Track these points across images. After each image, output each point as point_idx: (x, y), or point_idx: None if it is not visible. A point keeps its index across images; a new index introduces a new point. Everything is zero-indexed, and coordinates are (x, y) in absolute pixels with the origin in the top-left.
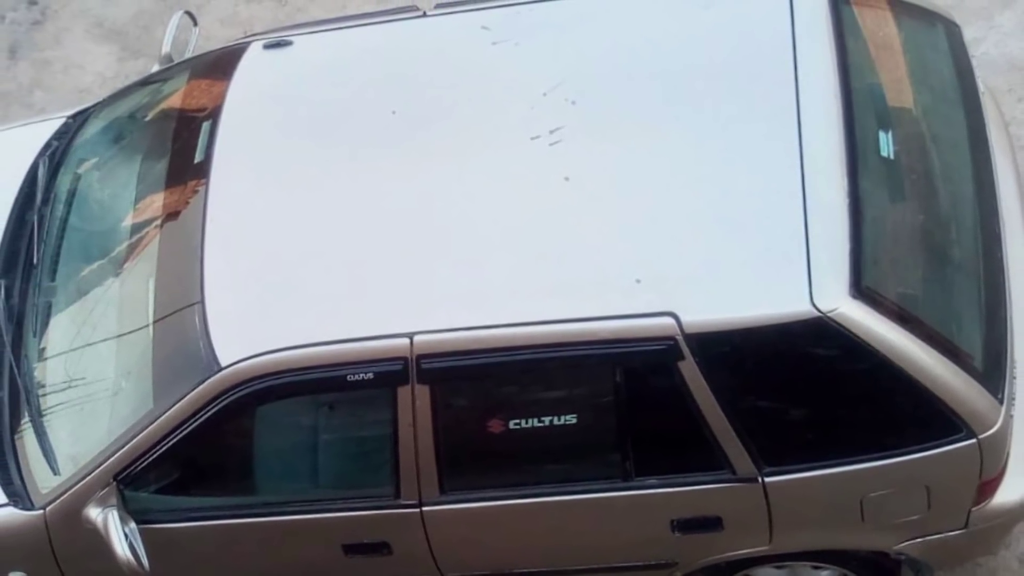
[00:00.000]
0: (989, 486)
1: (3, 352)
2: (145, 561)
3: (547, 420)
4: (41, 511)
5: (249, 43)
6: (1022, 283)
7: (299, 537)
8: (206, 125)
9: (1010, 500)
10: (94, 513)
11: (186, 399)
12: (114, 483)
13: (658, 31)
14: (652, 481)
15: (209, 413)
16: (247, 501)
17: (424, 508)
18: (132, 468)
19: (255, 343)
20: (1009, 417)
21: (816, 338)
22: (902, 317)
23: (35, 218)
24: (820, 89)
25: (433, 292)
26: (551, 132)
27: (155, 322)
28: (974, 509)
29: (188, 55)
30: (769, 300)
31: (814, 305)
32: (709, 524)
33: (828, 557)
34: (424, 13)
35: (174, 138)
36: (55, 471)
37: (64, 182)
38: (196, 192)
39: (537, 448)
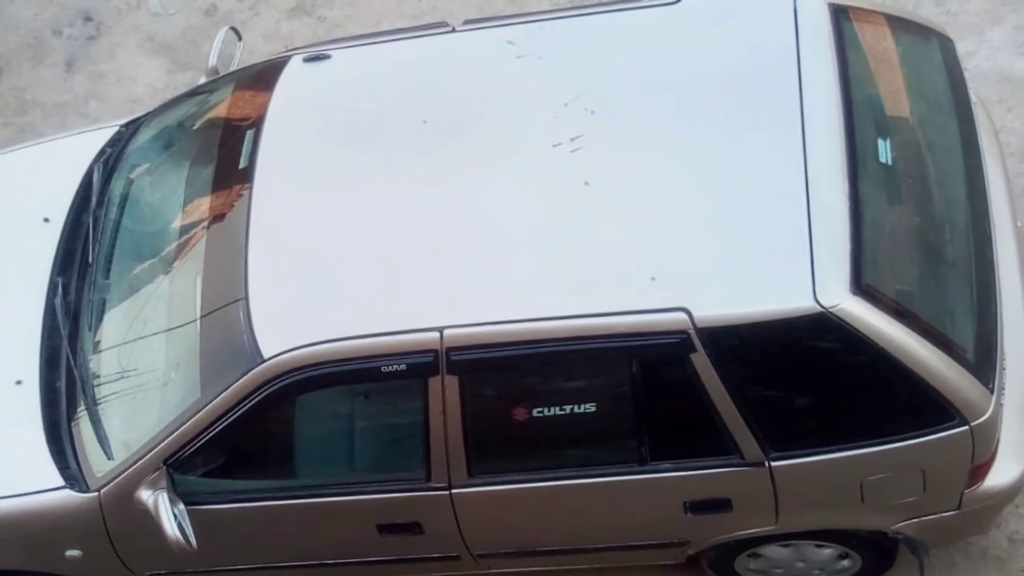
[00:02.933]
0: (981, 470)
1: (61, 345)
2: (193, 540)
3: (568, 408)
4: (96, 493)
5: (290, 57)
6: (1011, 281)
7: (336, 517)
8: (250, 133)
9: (1000, 483)
10: (145, 495)
11: (231, 389)
12: (164, 467)
13: (672, 46)
14: (666, 465)
15: (253, 402)
16: (288, 484)
17: (453, 490)
18: (181, 453)
19: (296, 337)
20: (999, 405)
21: (819, 332)
22: (899, 312)
23: (90, 220)
24: (823, 99)
25: (462, 289)
26: (572, 140)
27: (202, 317)
28: (967, 491)
29: (233, 68)
30: (775, 296)
31: (817, 301)
32: (719, 505)
33: (830, 536)
34: (453, 29)
35: (220, 145)
36: (109, 456)
37: (117, 186)
38: (240, 196)
39: (559, 434)
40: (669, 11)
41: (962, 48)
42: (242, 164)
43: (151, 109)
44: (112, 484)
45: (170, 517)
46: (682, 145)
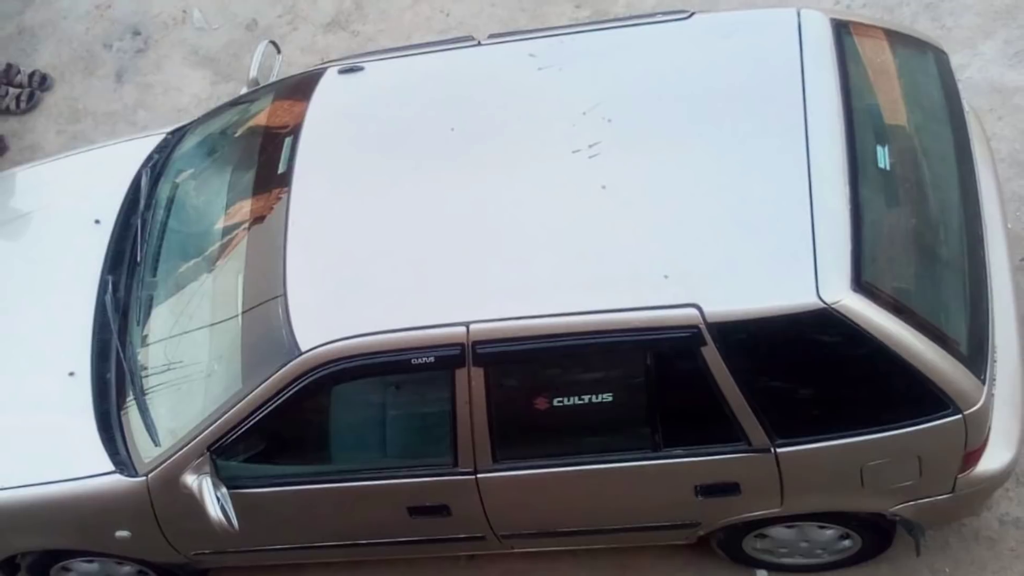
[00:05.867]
0: (973, 456)
1: (111, 339)
2: (235, 521)
3: (586, 398)
4: (144, 478)
5: (326, 68)
6: (1002, 279)
7: (369, 501)
8: (288, 140)
9: (992, 468)
10: (190, 480)
11: (271, 380)
12: (208, 453)
13: (684, 58)
14: (678, 451)
15: (291, 392)
16: (324, 469)
17: (479, 475)
18: (224, 440)
19: (331, 331)
20: (990, 396)
21: (822, 326)
22: (897, 308)
23: (139, 222)
24: (825, 109)
25: (487, 286)
26: (590, 146)
27: (243, 313)
28: (960, 476)
29: (272, 79)
30: (781, 293)
31: (820, 298)
32: (728, 489)
33: (832, 518)
34: (479, 42)
35: (260, 151)
36: (156, 443)
37: (164, 190)
38: (279, 199)
39: (578, 423)
40: (681, 26)
41: (956, 60)
42: (281, 169)
43: (196, 118)
44: (159, 469)
45: (213, 500)
46: (693, 151)
